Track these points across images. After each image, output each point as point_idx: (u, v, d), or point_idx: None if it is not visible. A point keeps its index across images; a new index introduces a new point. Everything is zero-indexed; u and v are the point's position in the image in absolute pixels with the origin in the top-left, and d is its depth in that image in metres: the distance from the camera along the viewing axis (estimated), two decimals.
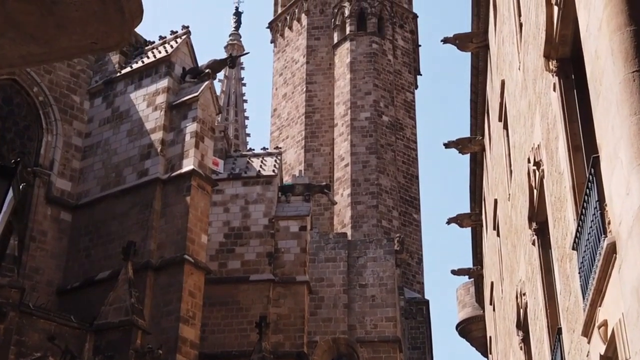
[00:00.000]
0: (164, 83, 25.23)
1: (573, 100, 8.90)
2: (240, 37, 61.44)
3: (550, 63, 9.24)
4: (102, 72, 26.94)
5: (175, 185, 23.66)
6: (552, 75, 9.21)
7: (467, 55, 20.00)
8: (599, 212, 6.90)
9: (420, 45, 52.14)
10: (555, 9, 8.64)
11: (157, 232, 23.16)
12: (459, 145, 22.25)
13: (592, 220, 7.16)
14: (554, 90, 9.16)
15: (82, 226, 24.86)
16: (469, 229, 25.74)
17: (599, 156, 6.91)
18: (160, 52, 26.16)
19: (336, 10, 48.42)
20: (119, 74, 26.53)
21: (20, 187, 4.80)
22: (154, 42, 27.10)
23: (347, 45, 46.94)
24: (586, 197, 7.36)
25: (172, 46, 26.06)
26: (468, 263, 27.86)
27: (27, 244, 23.89)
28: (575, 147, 8.65)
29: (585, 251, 7.54)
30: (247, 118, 62.23)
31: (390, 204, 43.15)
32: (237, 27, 62.10)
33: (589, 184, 7.19)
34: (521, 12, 12.05)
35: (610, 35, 6.32)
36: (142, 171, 24.34)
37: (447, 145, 22.32)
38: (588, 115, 8.64)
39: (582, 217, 7.57)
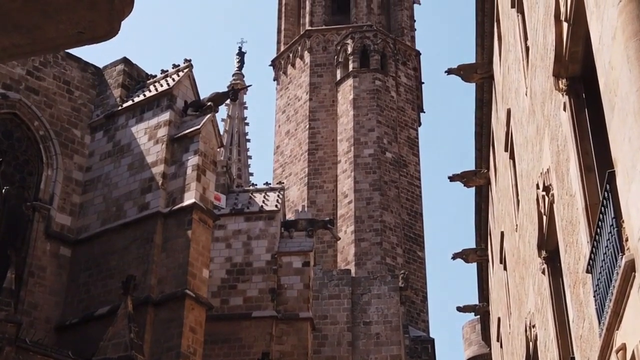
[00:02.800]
0: (165, 116, 25.04)
1: (584, 119, 8.68)
2: (244, 76, 61.64)
3: (560, 82, 9.04)
4: (104, 106, 26.78)
5: (176, 218, 23.37)
6: (562, 94, 9.00)
7: (470, 92, 19.95)
8: (615, 229, 6.64)
9: (423, 83, 52.21)
10: (565, 25, 8.45)
11: (158, 266, 22.82)
12: (464, 178, 22.11)
13: (608, 239, 6.89)
14: (564, 109, 8.94)
15: (81, 261, 24.52)
16: (475, 264, 25.49)
17: (614, 171, 6.66)
18: (162, 86, 26.01)
19: (339, 48, 48.48)
20: (120, 108, 26.36)
21: (3, 190, 4.51)
22: (156, 76, 26.98)
23: (350, 82, 46.94)
24: (601, 216, 7.10)
25: (174, 79, 25.92)
26: (474, 300, 27.53)
27: (26, 280, 23.51)
28: (587, 167, 8.41)
29: (600, 272, 7.26)
30: (250, 157, 62.29)
31: (395, 241, 42.79)
32: (240, 67, 62.34)
33: (604, 201, 6.93)
34: (527, 35, 11.90)
35: (625, 42, 6.10)
36: (142, 205, 24.06)
37: (452, 178, 22.16)
38: (600, 135, 8.42)
39: (597, 237, 7.31)
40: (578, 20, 7.99)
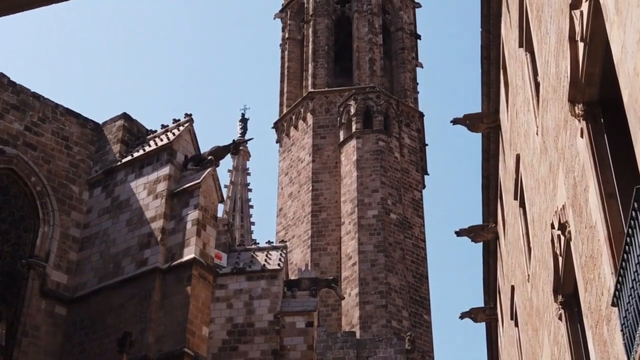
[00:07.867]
0: (165, 171, 24.54)
1: (604, 145, 8.19)
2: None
3: (576, 107, 8.59)
4: (103, 161, 26.29)
5: (175, 275, 22.67)
6: (579, 120, 8.54)
7: (475, 152, 19.62)
8: None
9: (427, 145, 51.88)
10: (581, 45, 8.02)
11: (156, 324, 22.07)
12: (471, 233, 21.65)
13: (638, 263, 6.33)
14: (582, 136, 8.46)
15: (77, 320, 23.75)
16: (484, 324, 24.86)
17: None
18: (162, 140, 25.60)
19: (342, 109, 48.32)
20: (119, 163, 25.89)
21: None
22: (156, 132, 26.62)
23: (353, 143, 46.62)
24: (628, 239, 6.55)
25: (174, 134, 25.51)
26: None
27: (19, 339, 22.69)
28: (608, 195, 7.90)
29: (629, 302, 6.71)
30: (252, 224, 61.96)
31: (400, 304, 41.94)
32: (244, 133, 62.41)
33: (632, 221, 6.38)
34: (537, 70, 11.55)
35: None
36: (141, 261, 23.40)
37: (459, 233, 21.70)
38: (620, 161, 7.94)
39: (624, 263, 6.74)
40: (595, 37, 7.58)
